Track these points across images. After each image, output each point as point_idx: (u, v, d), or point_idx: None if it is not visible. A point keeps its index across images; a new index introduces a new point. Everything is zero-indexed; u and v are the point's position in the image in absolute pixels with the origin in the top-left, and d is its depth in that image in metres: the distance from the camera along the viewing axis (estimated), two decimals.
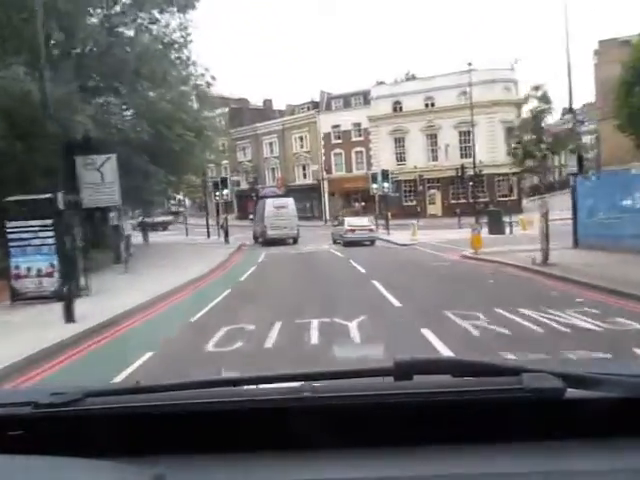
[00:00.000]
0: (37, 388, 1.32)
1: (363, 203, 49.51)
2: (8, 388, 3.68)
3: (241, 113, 59.62)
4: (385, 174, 31.99)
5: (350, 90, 50.60)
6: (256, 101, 63.58)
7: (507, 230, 27.16)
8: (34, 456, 0.95)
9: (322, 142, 49.34)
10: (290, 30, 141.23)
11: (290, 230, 27.27)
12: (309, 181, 51.57)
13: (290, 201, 29.52)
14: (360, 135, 48.58)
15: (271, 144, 55.56)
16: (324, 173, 48.41)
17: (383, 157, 45.96)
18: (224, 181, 29.38)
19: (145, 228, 30.60)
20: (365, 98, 48.82)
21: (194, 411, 1.04)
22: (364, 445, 0.98)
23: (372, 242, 24.92)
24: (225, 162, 61.70)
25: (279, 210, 27.71)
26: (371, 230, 25.42)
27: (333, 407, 1.00)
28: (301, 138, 52.11)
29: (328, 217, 47.87)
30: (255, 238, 29.77)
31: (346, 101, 50.03)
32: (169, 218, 55.78)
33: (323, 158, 48.99)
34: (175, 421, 1.04)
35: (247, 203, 59.91)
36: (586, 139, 41.22)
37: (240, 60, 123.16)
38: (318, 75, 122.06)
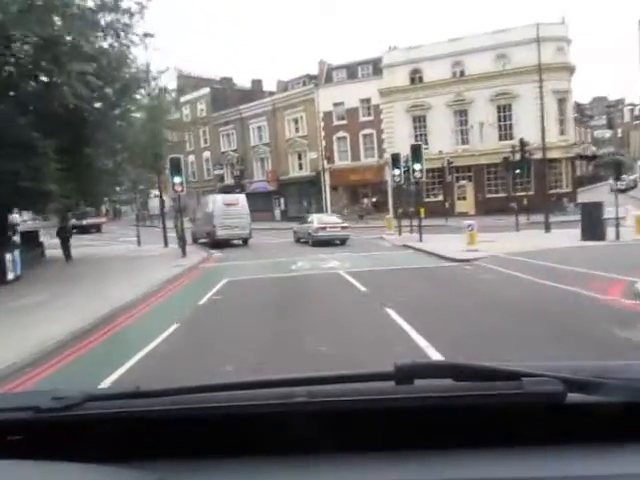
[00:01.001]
0: (38, 392, 1.23)
1: (374, 199, 39.85)
2: (9, 393, 3.30)
3: (225, 95, 49.93)
4: (417, 152, 22.44)
5: (356, 59, 40.90)
6: (244, 83, 53.89)
7: (608, 232, 17.55)
8: (35, 461, 0.95)
9: (322, 124, 39.63)
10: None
11: (242, 230, 24.27)
12: (306, 173, 41.89)
13: (242, 198, 26.41)
14: (369, 114, 38.91)
15: (259, 129, 45.87)
16: (325, 162, 38.84)
17: (399, 141, 36.33)
18: (176, 164, 19.82)
19: (66, 235, 20.72)
20: (375, 67, 39.13)
21: (192, 416, 1.04)
22: (363, 449, 0.97)
23: (343, 242, 22.34)
24: (206, 153, 52.10)
25: (230, 208, 24.24)
26: (344, 228, 22.89)
27: (331, 411, 1.00)
28: (296, 120, 42.42)
29: None
30: (195, 239, 26.17)
31: (351, 72, 40.29)
32: (102, 220, 47.59)
33: (323, 144, 39.35)
34: (174, 426, 1.04)
35: None
36: None
37: (224, 37, 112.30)
38: (315, 51, 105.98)
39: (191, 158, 54.17)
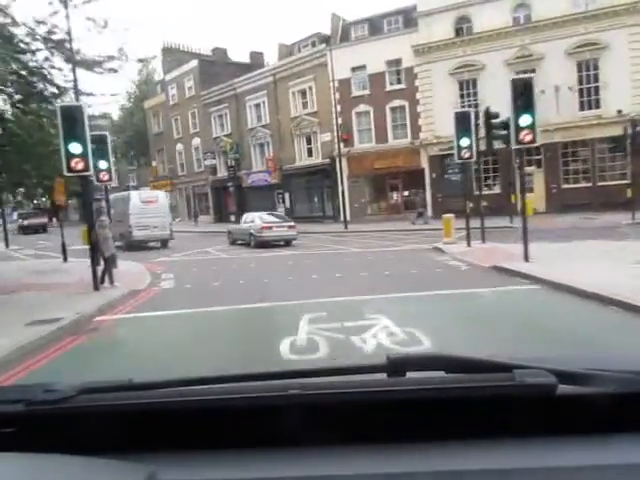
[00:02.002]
0: (29, 385, 1.19)
1: (406, 193, 30.56)
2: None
3: (216, 70, 40.84)
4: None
5: (380, 10, 31.55)
6: (241, 59, 44.74)
7: None
8: (27, 454, 0.95)
9: (337, 96, 30.37)
10: None
11: (161, 231, 21.90)
12: (317, 160, 32.67)
13: (161, 195, 23.93)
14: (399, 80, 29.62)
15: (258, 107, 36.69)
16: (341, 146, 29.58)
17: (440, 114, 27.08)
18: (101, 140, 11.05)
19: None
20: (406, 19, 29.78)
21: (185, 408, 1.04)
22: (356, 441, 0.98)
23: (288, 243, 20.24)
24: (196, 141, 43.03)
25: (147, 205, 21.93)
26: (291, 227, 20.64)
27: (324, 403, 1.01)
28: (303, 93, 33.20)
29: (348, 215, 28.95)
30: None
31: (374, 27, 30.91)
32: (43, 220, 42.80)
33: (339, 121, 30.13)
34: (167, 418, 1.04)
35: (227, 198, 41.14)
36: None
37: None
38: (326, 6, 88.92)
39: (179, 147, 45.22)
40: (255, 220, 20.61)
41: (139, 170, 63.21)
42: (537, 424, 0.98)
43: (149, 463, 0.94)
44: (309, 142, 33.41)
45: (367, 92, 30.26)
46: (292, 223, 21.02)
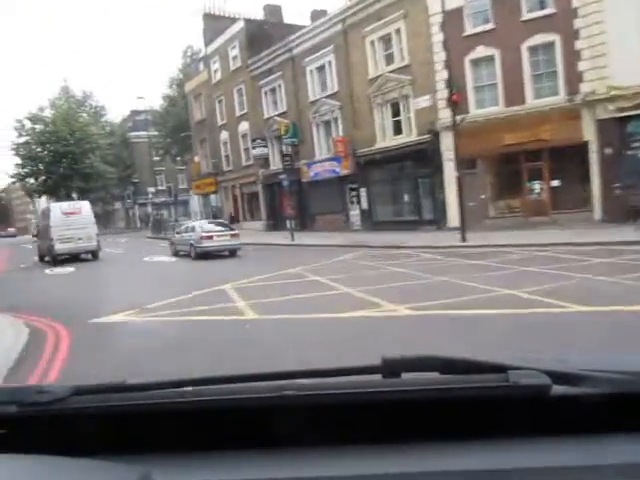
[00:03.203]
0: (21, 386, 1.20)
1: (555, 182, 19.61)
2: None
3: (267, 33, 31.28)
4: None
5: None
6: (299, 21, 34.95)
7: None
8: (19, 455, 0.95)
9: (440, 37, 19.78)
10: None
11: (87, 242, 21.01)
12: (409, 138, 22.19)
13: (84, 205, 22.35)
14: (543, 2, 18.70)
15: (322, 71, 26.76)
16: (449, 114, 18.92)
17: (618, 49, 16.10)
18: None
19: None
20: None
21: (179, 409, 1.04)
22: (350, 442, 0.98)
23: (233, 252, 18.90)
24: (243, 125, 33.70)
25: (69, 217, 21.00)
26: (233, 236, 19.05)
27: (319, 404, 1.01)
28: (387, 40, 22.87)
29: (456, 219, 18.33)
30: (41, 257, 22.47)
31: None
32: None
33: (444, 76, 19.58)
34: (161, 419, 1.04)
35: (282, 198, 31.39)
36: None
37: None
38: None
39: (224, 136, 36.09)
40: (195, 229, 19.45)
41: (188, 169, 55.32)
42: (531, 425, 0.98)
43: (143, 464, 0.94)
44: (396, 113, 23.00)
45: (490, 26, 19.52)
46: (235, 232, 19.56)
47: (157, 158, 53.20)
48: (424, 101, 21.27)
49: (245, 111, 33.08)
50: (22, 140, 53.85)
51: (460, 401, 1.00)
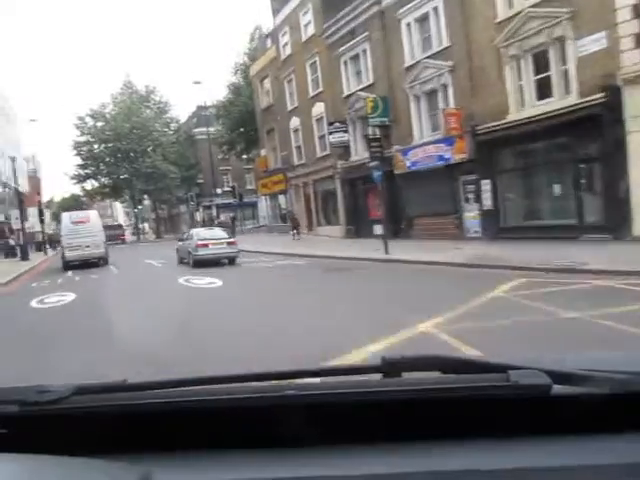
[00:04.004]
0: (22, 386, 1.16)
1: None
2: None
3: None
4: None
5: None
6: None
7: None
8: (20, 455, 0.95)
9: None
10: None
11: (95, 249, 21.94)
12: (563, 102, 14.74)
13: (93, 214, 24.19)
14: None
15: (423, 23, 19.74)
16: (635, 57, 11.63)
17: None
18: None
19: None
20: None
21: (181, 409, 1.04)
22: (350, 442, 0.98)
23: (232, 260, 18.15)
24: (318, 107, 27.41)
25: (78, 226, 22.18)
26: (230, 243, 18.55)
27: (320, 404, 1.01)
28: None
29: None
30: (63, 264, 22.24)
31: None
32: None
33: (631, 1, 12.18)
34: (162, 419, 1.04)
35: (368, 196, 24.88)
36: None
37: None
38: None
39: (294, 122, 30.03)
40: (193, 236, 19.09)
41: (255, 167, 50.06)
42: (531, 424, 0.98)
43: (144, 464, 0.94)
44: (543, 67, 15.63)
45: None
46: (232, 239, 19.00)
47: (221, 156, 48.18)
48: (595, 42, 13.84)
49: (320, 90, 26.73)
50: (83, 139, 50.63)
51: (460, 401, 0.98)
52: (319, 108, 26.89)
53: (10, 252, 33.08)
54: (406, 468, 0.92)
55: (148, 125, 47.84)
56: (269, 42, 33.85)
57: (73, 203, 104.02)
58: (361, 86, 23.31)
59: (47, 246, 37.75)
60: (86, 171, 49.81)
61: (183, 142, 52.94)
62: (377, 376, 1.06)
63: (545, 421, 0.99)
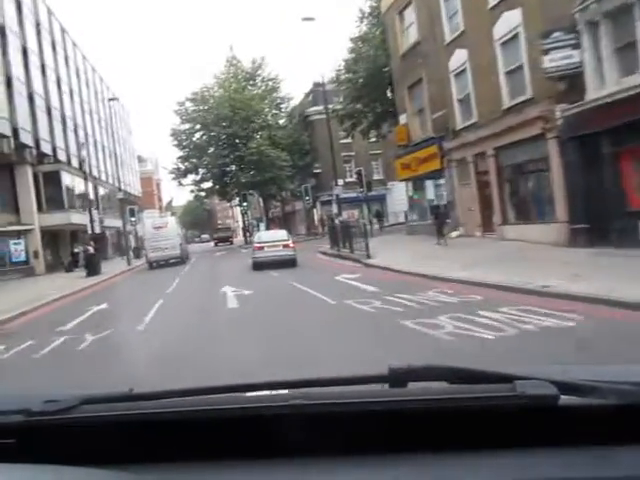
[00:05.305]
0: (29, 395, 1.21)
1: None
2: None
3: None
4: None
5: None
6: None
7: None
8: (27, 465, 0.96)
9: None
10: None
11: (172, 251, 25.53)
12: None
13: (171, 220, 28.61)
14: None
15: None
16: None
17: None
18: None
19: None
20: None
21: (186, 419, 1.04)
22: (357, 452, 0.98)
23: (293, 262, 17.65)
24: (500, 25, 15.89)
25: (158, 231, 25.88)
26: (286, 246, 18.09)
27: (326, 413, 1.01)
28: None
29: None
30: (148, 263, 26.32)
31: None
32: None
33: None
34: (168, 429, 1.04)
35: (622, 162, 12.36)
36: None
37: None
38: None
39: (458, 59, 18.95)
40: (255, 239, 19.96)
41: (385, 147, 39.37)
42: (538, 435, 0.97)
43: (151, 474, 0.94)
44: None
45: None
46: (288, 242, 18.33)
47: (343, 140, 38.24)
48: None
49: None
50: (186, 127, 43.41)
51: (466, 411, 0.98)
52: (508, 20, 15.57)
53: (88, 263, 25.65)
54: (414, 478, 0.91)
55: (253, 104, 39.20)
56: None
57: (195, 206, 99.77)
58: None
59: (131, 253, 30.69)
60: (185, 164, 42.45)
61: (296, 125, 43.95)
62: (383, 386, 1.05)
63: (552, 432, 0.97)
